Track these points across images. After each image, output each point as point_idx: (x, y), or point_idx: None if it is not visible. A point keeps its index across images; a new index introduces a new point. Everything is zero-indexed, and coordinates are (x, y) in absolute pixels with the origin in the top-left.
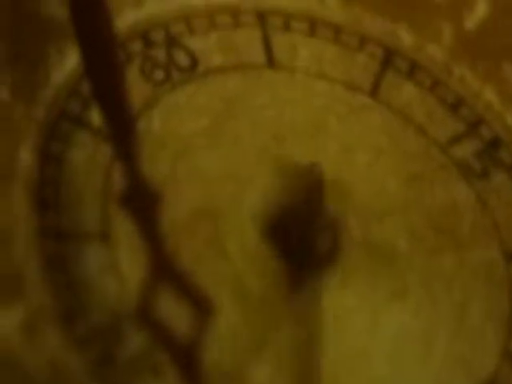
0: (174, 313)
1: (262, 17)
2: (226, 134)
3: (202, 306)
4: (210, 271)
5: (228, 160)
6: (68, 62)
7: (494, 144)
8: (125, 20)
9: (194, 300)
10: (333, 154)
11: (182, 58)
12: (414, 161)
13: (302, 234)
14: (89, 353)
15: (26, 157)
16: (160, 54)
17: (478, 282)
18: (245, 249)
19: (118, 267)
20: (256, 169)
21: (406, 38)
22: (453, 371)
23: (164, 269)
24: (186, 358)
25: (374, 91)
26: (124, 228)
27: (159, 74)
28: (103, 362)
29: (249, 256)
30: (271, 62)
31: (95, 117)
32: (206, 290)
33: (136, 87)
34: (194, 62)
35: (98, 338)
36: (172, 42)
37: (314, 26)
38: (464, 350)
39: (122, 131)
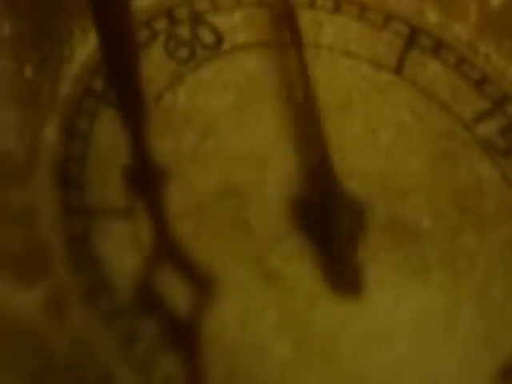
0: (175, 291)
1: None
2: (251, 112)
3: (203, 286)
4: (233, 249)
5: (253, 138)
6: (92, 40)
7: None
8: None
9: (195, 279)
10: (357, 131)
11: (207, 36)
12: (438, 139)
13: (325, 213)
14: (113, 330)
15: (50, 134)
16: (184, 31)
17: (502, 261)
18: (269, 227)
19: (142, 243)
20: (281, 147)
21: (431, 15)
22: (475, 350)
23: (166, 248)
24: (187, 336)
25: (399, 69)
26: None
27: (184, 52)
28: (127, 340)
29: (273, 234)
30: (296, 39)
31: None
32: (207, 268)
33: (161, 65)
34: (219, 39)
35: (122, 315)
36: (196, 19)
37: (338, 2)
38: (487, 328)
39: (134, 111)
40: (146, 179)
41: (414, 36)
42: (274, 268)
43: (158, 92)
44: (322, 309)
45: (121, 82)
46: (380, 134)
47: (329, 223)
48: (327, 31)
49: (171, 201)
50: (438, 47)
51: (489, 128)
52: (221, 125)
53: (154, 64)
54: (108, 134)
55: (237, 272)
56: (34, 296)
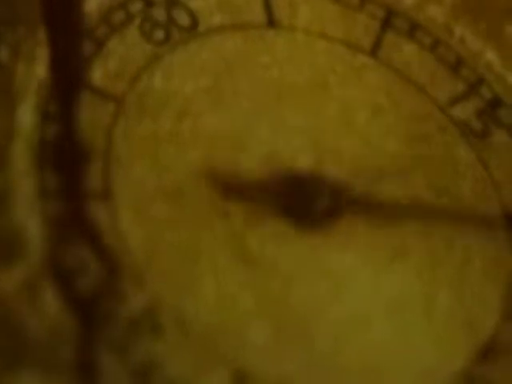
0: None
1: None
2: (227, 94)
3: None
4: (210, 232)
5: (229, 120)
6: None
7: (495, 104)
8: None
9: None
10: (333, 113)
11: (183, 18)
12: (414, 121)
13: (302, 195)
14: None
15: (26, 117)
16: (160, 13)
17: (478, 242)
18: (246, 209)
19: (119, 226)
20: (257, 129)
21: None
22: (454, 333)
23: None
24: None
25: (375, 51)
26: (125, 186)
27: (159, 34)
28: (103, 322)
29: (250, 216)
30: (271, 21)
31: (95, 76)
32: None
33: (136, 47)
34: (195, 21)
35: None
36: (172, 1)
37: None
38: (465, 311)
39: (68, 81)
40: (69, 155)
41: (389, 18)
42: (251, 251)
43: (134, 74)
44: (300, 292)
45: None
46: (356, 116)
47: (306, 205)
48: (303, 13)
49: (147, 183)
50: (414, 29)
51: (465, 110)
52: (197, 107)
53: (130, 46)
54: (84, 116)
55: (213, 255)
56: (11, 279)
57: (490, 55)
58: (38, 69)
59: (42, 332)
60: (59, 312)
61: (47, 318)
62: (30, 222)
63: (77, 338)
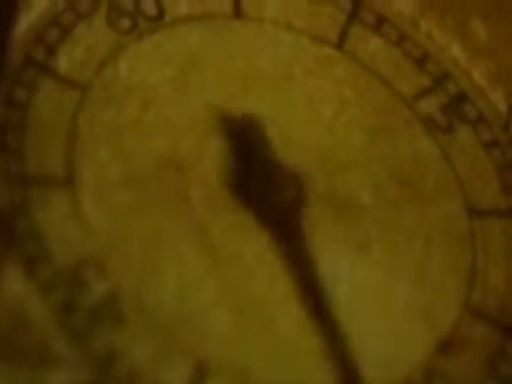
0: None
1: None
2: (192, 84)
3: None
4: (172, 221)
5: (194, 110)
6: (33, 10)
7: (460, 99)
8: None
9: None
10: (298, 105)
11: (149, 7)
12: (379, 114)
13: (265, 186)
14: (51, 299)
15: None
16: (127, 2)
17: (440, 235)
18: (208, 199)
19: (81, 212)
20: (222, 120)
21: None
22: (414, 324)
23: None
24: None
25: (341, 44)
26: (88, 174)
27: (126, 23)
28: (65, 309)
29: (212, 206)
30: (238, 12)
31: (61, 63)
32: None
33: (102, 35)
34: (161, 11)
35: (61, 285)
36: None
37: None
38: (425, 302)
39: None
40: None
41: (356, 11)
42: (213, 240)
43: (99, 62)
44: (261, 281)
45: None
46: (321, 109)
47: (269, 196)
48: (270, 4)
49: (111, 171)
50: (381, 23)
51: (430, 105)
52: (162, 97)
53: (96, 34)
54: (48, 103)
55: (176, 243)
56: None
57: (456, 50)
58: (1, 56)
59: (2, 320)
60: (22, 297)
61: (9, 303)
62: None
63: (37, 326)
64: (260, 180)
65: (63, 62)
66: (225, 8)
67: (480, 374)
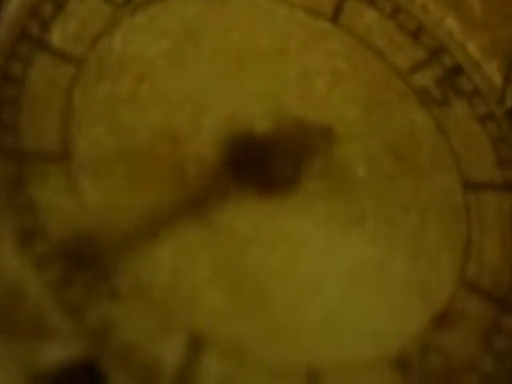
0: None
1: None
2: (187, 58)
3: None
4: (167, 194)
5: (189, 84)
6: None
7: (455, 72)
8: None
9: None
10: (293, 79)
11: None
12: (374, 87)
13: (260, 160)
14: (47, 273)
15: None
16: None
17: (435, 209)
18: (204, 172)
19: (77, 187)
20: (217, 93)
21: None
22: (409, 298)
23: None
24: None
25: (335, 17)
26: (84, 148)
27: None
28: (61, 283)
29: (208, 180)
30: None
31: (55, 38)
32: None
33: (97, 8)
34: None
35: (57, 260)
36: None
37: None
38: (420, 276)
39: None
40: None
41: None
42: (209, 214)
43: (94, 36)
44: (256, 256)
45: None
46: (315, 82)
47: (265, 169)
48: None
49: (106, 146)
50: None
51: (425, 78)
52: (157, 70)
53: (90, 8)
54: (43, 78)
55: (172, 218)
56: None
57: (451, 23)
58: None
59: (0, 292)
60: (18, 272)
61: (5, 277)
62: None
63: (32, 300)
64: (256, 154)
65: (57, 36)
66: None
67: (475, 348)
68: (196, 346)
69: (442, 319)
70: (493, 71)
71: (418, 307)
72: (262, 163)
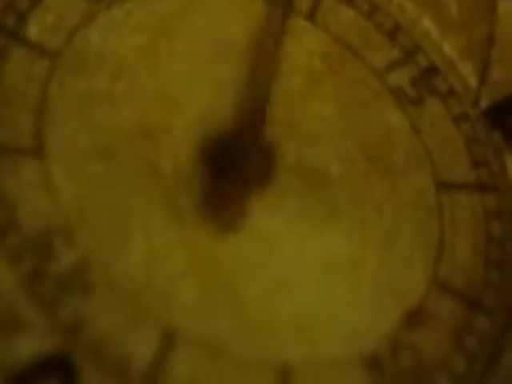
0: None
1: None
2: (163, 53)
3: None
4: (141, 191)
5: (165, 80)
6: None
7: (430, 72)
8: None
9: None
10: (269, 76)
11: None
12: (350, 86)
13: (235, 156)
14: (20, 267)
15: None
16: None
17: (409, 209)
18: (178, 169)
19: (50, 181)
20: (192, 89)
21: None
22: (381, 297)
23: None
24: None
25: (312, 15)
26: (58, 143)
27: None
28: (34, 277)
29: (181, 176)
30: None
31: (31, 31)
32: None
33: (73, 3)
34: None
35: (30, 253)
36: None
37: None
38: (393, 275)
39: None
40: None
41: None
42: (182, 210)
43: (70, 31)
44: (230, 252)
45: None
46: (292, 80)
47: (239, 165)
48: None
49: (81, 140)
50: None
51: (400, 78)
52: (132, 66)
53: (67, 2)
54: (18, 71)
55: (145, 214)
56: None
57: (427, 23)
58: None
59: None
60: None
61: None
62: None
63: (5, 294)
64: (229, 151)
65: (34, 30)
66: None
67: (446, 348)
68: (168, 341)
69: (414, 318)
70: (468, 72)
71: (391, 306)
72: (235, 160)
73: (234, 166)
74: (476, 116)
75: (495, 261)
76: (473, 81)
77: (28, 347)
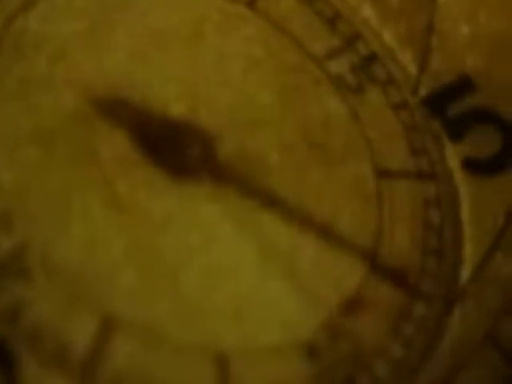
0: None
1: None
2: (103, 39)
3: None
4: (80, 177)
5: (104, 65)
6: None
7: (370, 60)
8: None
9: None
10: (208, 63)
11: None
12: (289, 73)
13: (173, 143)
14: None
15: None
16: None
17: (347, 196)
18: (117, 155)
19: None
20: (131, 75)
21: None
22: (319, 284)
23: None
24: None
25: (252, 2)
26: None
27: None
28: None
29: (120, 162)
30: None
31: None
32: None
33: None
34: None
35: None
36: None
37: None
38: (331, 262)
39: None
40: None
41: None
42: (122, 197)
43: (9, 16)
44: (170, 238)
45: None
46: (231, 66)
47: (177, 153)
48: None
49: (19, 124)
50: None
51: (340, 65)
52: (72, 51)
53: None
54: None
55: (83, 200)
56: None
57: (368, 11)
58: None
59: None
60: None
61: None
62: None
63: None
64: (169, 137)
65: None
66: None
67: (384, 335)
68: (107, 326)
69: (352, 306)
70: (408, 60)
71: (328, 293)
72: (174, 146)
73: (172, 153)
74: (415, 104)
75: (433, 248)
76: (412, 69)
77: None
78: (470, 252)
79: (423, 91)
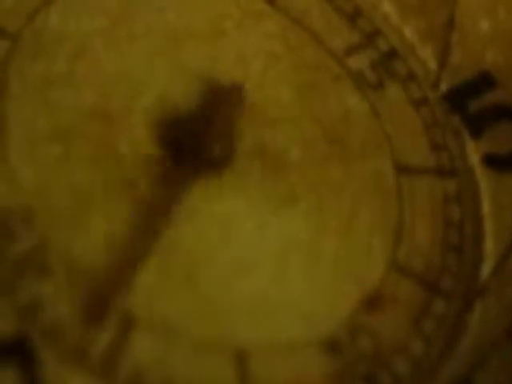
0: None
1: None
2: (123, 35)
3: None
4: (100, 173)
5: (123, 62)
6: None
7: (390, 56)
8: None
9: None
10: (229, 59)
11: None
12: (310, 70)
13: (194, 140)
14: None
15: None
16: None
17: (367, 192)
18: (137, 152)
19: (8, 164)
20: (151, 72)
21: None
22: (339, 281)
23: None
24: None
25: None
26: (16, 126)
27: None
28: None
29: (140, 159)
30: None
31: None
32: None
33: None
34: None
35: None
36: None
37: None
38: (351, 259)
39: None
40: None
41: None
42: (142, 193)
43: (30, 13)
44: (189, 234)
45: None
46: (251, 63)
47: (197, 150)
48: None
49: (40, 122)
50: None
51: (360, 61)
52: (92, 48)
53: None
54: None
55: (104, 198)
56: None
57: (387, 7)
58: None
59: None
60: None
61: None
62: None
63: None
64: (188, 134)
65: None
66: None
67: (404, 332)
68: (126, 323)
69: (373, 302)
70: (428, 56)
71: (349, 290)
72: (195, 143)
73: (193, 150)
74: (436, 100)
75: (453, 245)
76: (433, 64)
77: None
78: (490, 248)
79: (443, 87)
